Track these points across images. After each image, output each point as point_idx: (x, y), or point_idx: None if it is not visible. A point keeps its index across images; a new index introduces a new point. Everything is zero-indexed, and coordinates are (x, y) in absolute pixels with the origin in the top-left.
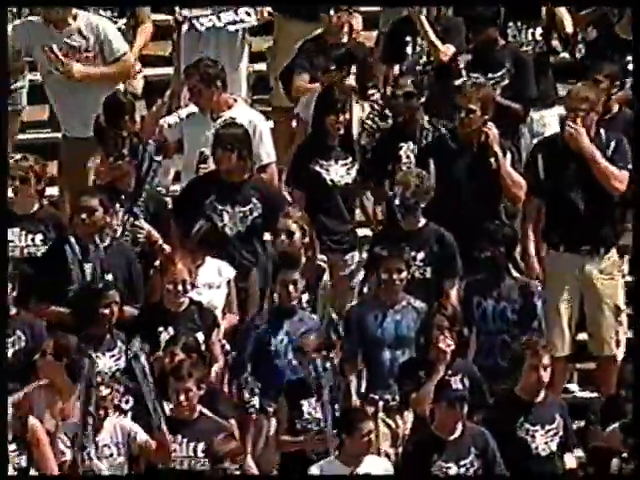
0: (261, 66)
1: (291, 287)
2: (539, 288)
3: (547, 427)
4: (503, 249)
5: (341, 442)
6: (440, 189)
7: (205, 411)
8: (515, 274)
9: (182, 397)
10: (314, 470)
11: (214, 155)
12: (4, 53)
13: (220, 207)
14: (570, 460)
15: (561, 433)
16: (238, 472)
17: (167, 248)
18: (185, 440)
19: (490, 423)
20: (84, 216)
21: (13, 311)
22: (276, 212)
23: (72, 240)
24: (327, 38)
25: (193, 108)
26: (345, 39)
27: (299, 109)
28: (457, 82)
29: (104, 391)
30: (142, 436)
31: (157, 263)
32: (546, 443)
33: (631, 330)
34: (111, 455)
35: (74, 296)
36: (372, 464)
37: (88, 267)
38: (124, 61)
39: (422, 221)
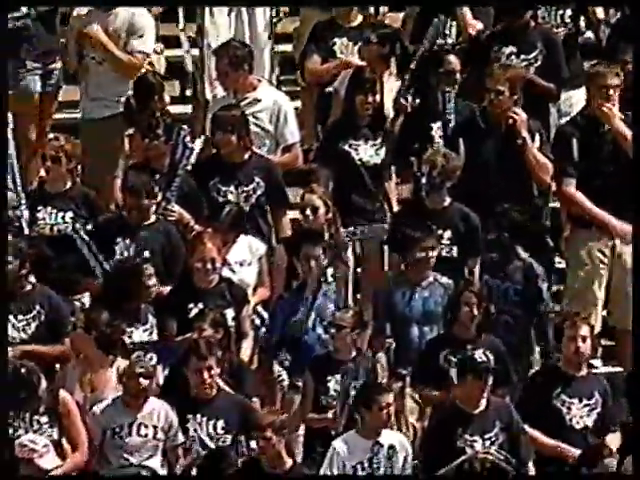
0: (287, 47)
1: (312, 262)
2: (542, 271)
3: (585, 402)
4: (507, 233)
5: (360, 416)
6: (469, 169)
7: (223, 386)
8: (523, 255)
9: (205, 375)
10: (336, 444)
11: (213, 138)
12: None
13: (224, 188)
14: (612, 441)
15: (598, 410)
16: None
17: (198, 228)
18: (204, 419)
19: (528, 391)
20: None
21: (28, 287)
22: (280, 189)
23: (85, 237)
24: (338, 21)
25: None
26: (356, 22)
27: (337, 85)
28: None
29: (144, 382)
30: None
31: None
32: (581, 417)
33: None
34: (145, 435)
35: (115, 270)
36: (389, 437)
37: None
38: (136, 58)
39: (447, 200)
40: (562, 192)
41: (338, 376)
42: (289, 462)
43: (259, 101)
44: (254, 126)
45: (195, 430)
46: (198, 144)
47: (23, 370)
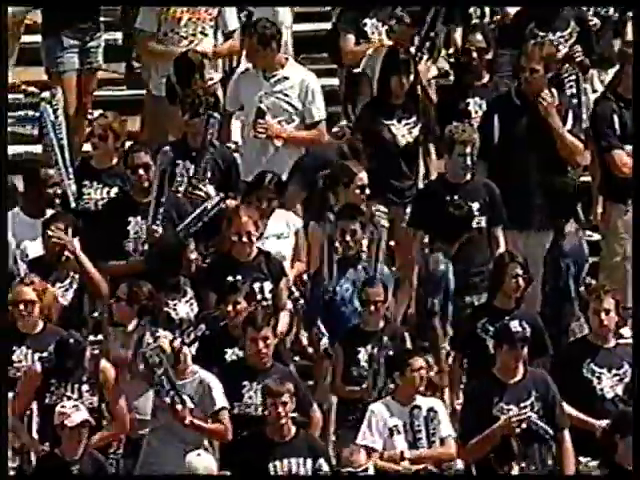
0: (303, 26)
1: (347, 237)
2: (567, 246)
3: (614, 371)
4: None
5: (394, 382)
6: (503, 144)
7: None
8: (567, 230)
9: (261, 345)
10: (374, 406)
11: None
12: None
13: None
14: None
15: (627, 380)
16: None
17: (231, 202)
18: (260, 387)
19: (559, 363)
20: (141, 172)
21: (63, 258)
22: None
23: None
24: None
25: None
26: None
27: (364, 66)
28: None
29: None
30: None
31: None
32: (612, 387)
33: None
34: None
35: (158, 245)
36: (424, 402)
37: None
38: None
39: (469, 174)
40: (615, 162)
41: (369, 347)
42: (293, 430)
43: (287, 78)
44: (283, 103)
45: (250, 397)
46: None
47: (71, 340)
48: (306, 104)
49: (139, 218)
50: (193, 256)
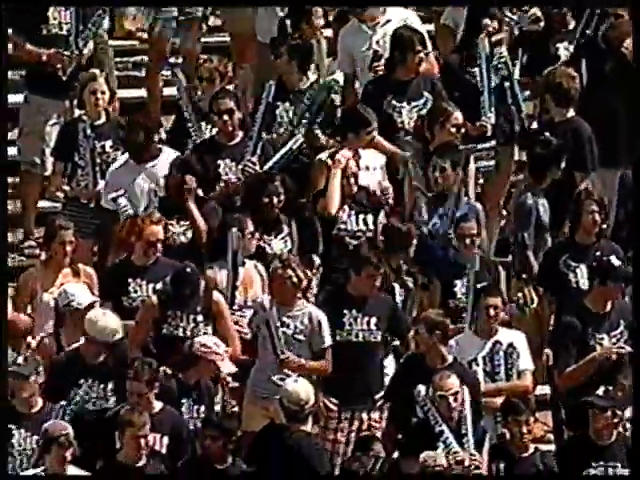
0: None
1: (437, 173)
2: None
3: None
4: None
5: (475, 315)
6: (590, 87)
7: None
8: None
9: (378, 282)
10: (452, 342)
11: (395, 58)
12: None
13: (398, 105)
14: None
15: None
16: None
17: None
18: (360, 315)
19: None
20: (226, 118)
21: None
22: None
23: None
24: None
25: None
26: None
27: (445, 19)
28: None
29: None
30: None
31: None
32: None
33: None
34: (288, 327)
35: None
36: (505, 335)
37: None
38: None
39: (571, 112)
40: None
41: (465, 280)
42: (450, 358)
43: (389, 21)
44: None
45: (350, 325)
46: None
47: (188, 270)
48: None
49: (228, 160)
50: (276, 200)
